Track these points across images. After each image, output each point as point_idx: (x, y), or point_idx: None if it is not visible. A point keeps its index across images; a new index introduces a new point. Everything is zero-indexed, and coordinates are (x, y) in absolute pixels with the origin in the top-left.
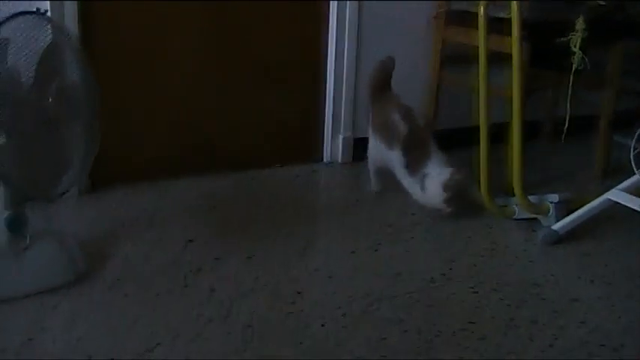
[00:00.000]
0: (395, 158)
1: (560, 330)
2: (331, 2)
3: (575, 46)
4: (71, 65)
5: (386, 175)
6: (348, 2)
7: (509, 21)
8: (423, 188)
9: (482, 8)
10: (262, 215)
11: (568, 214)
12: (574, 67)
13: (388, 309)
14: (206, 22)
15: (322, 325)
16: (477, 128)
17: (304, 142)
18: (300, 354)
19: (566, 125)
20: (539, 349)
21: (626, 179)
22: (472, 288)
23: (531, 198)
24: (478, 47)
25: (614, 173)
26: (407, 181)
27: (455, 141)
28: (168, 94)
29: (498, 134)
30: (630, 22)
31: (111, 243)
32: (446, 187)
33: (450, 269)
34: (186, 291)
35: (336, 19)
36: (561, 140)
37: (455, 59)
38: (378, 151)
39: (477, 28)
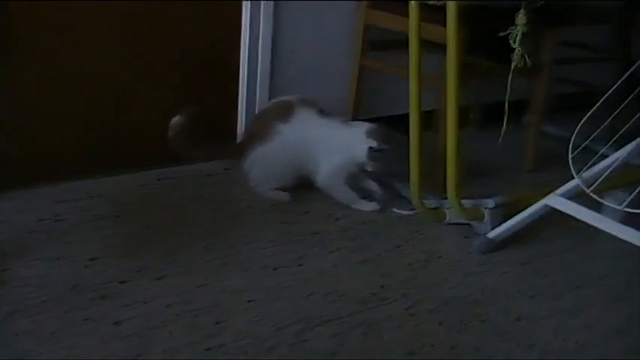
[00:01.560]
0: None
1: (506, 356)
2: None
3: (514, 43)
4: None
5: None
6: None
7: (441, 8)
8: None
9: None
10: (174, 224)
11: (503, 218)
12: (514, 64)
13: (319, 338)
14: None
15: None
16: (402, 117)
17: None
18: None
19: (506, 116)
20: None
21: (558, 177)
22: (408, 310)
23: (465, 202)
24: (406, 33)
25: (544, 165)
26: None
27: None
28: (74, 86)
29: (424, 123)
30: (565, 10)
31: (3, 261)
32: (369, 133)
33: (382, 287)
34: (88, 326)
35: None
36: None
37: (380, 45)
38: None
39: (405, 15)
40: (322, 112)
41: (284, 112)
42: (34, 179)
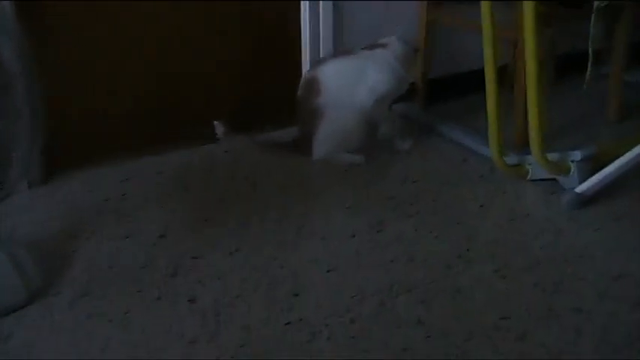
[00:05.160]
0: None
1: (611, 317)
2: None
3: None
4: (4, 47)
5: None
6: None
7: None
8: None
9: None
10: (244, 195)
11: (592, 172)
12: (596, 4)
13: (404, 307)
14: None
15: (328, 339)
16: (473, 74)
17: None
18: None
19: (590, 61)
20: (591, 345)
21: None
22: (497, 271)
23: (550, 156)
24: None
25: (629, 116)
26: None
27: (454, 88)
28: (129, 60)
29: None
30: None
31: (70, 246)
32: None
33: (468, 249)
34: (161, 304)
35: None
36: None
37: None
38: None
39: None
40: (342, 52)
41: (313, 81)
42: (98, 159)
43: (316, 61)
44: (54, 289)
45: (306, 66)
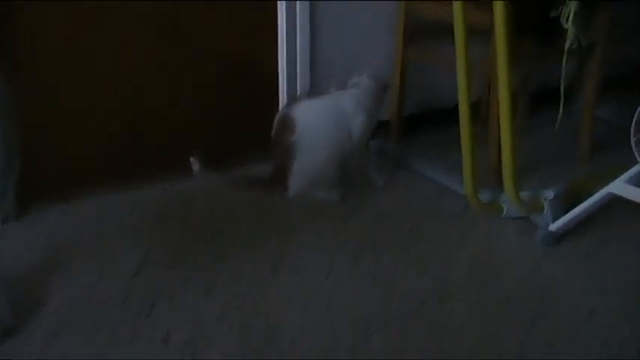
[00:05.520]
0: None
1: (583, 355)
2: None
3: (567, 22)
4: None
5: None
6: None
7: None
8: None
9: None
10: (220, 230)
11: (564, 209)
12: (568, 44)
13: (379, 343)
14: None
15: None
16: (447, 110)
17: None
18: None
19: (562, 101)
20: None
21: (616, 163)
22: (472, 308)
23: (523, 194)
24: (447, 21)
25: (601, 151)
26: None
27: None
28: (104, 94)
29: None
30: None
31: (44, 282)
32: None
33: (443, 284)
34: (137, 339)
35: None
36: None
37: (422, 34)
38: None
39: (447, 1)
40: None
41: (288, 119)
42: (74, 194)
43: (291, 100)
44: (25, 328)
45: (283, 102)
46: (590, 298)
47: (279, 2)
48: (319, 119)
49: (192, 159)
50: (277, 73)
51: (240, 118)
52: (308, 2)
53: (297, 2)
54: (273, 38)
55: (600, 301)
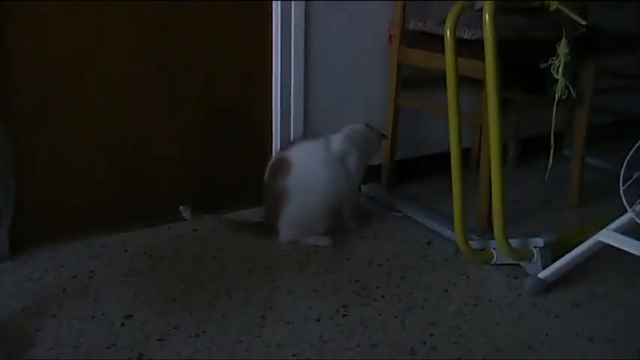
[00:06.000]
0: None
1: None
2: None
3: (557, 73)
4: None
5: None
6: (292, 26)
7: (475, 42)
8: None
9: (448, 30)
10: (210, 276)
11: (553, 257)
12: (557, 95)
13: None
14: (143, 53)
15: None
16: (439, 156)
17: (250, 186)
18: None
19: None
20: None
21: (606, 211)
22: (460, 358)
23: (513, 242)
24: (438, 69)
25: (590, 199)
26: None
27: (418, 170)
28: (95, 137)
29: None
30: (605, 39)
31: (34, 324)
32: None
33: (432, 335)
34: None
35: (280, 47)
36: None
37: (414, 82)
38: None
39: (439, 51)
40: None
41: (281, 163)
42: (65, 236)
43: (285, 144)
44: None
45: (276, 146)
46: (577, 349)
47: (273, 57)
48: (312, 164)
49: (182, 207)
50: (271, 120)
51: (233, 163)
52: (302, 51)
53: (292, 53)
54: (267, 86)
55: (586, 353)
